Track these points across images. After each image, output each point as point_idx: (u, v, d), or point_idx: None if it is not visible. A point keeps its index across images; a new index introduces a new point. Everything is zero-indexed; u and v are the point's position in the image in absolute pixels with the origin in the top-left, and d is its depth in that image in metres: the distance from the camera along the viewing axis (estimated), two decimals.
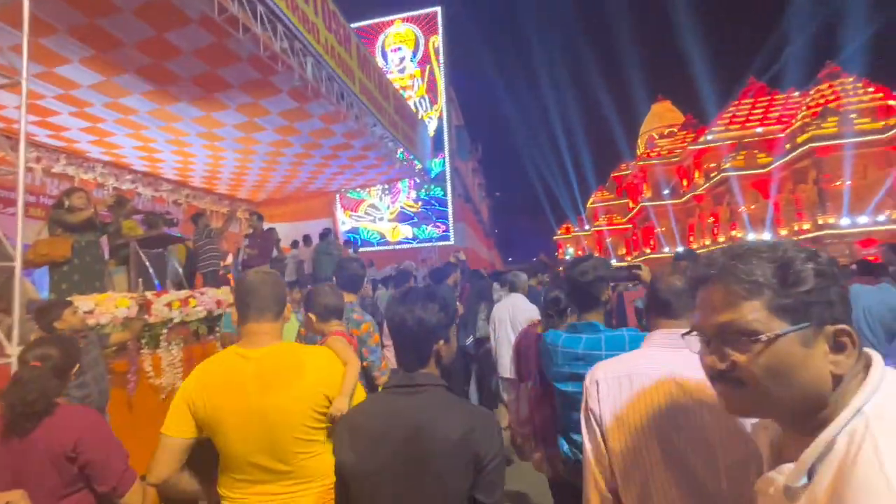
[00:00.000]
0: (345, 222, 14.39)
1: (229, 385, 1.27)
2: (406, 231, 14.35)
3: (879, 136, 19.20)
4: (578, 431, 1.39)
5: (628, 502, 0.90)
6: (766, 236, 24.85)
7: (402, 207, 14.59)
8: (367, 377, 2.41)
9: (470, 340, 4.18)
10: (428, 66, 14.30)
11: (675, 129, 41.39)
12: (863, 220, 19.42)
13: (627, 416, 0.91)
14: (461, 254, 5.80)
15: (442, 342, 1.18)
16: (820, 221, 20.42)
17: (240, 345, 1.34)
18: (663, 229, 36.42)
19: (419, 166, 11.77)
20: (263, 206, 11.29)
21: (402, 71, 14.39)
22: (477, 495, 1.04)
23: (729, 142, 30.06)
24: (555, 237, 55.99)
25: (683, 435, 0.84)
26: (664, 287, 1.04)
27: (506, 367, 3.58)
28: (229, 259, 7.53)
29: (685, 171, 35.62)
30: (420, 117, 14.02)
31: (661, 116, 45.69)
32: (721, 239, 28.75)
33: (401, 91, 14.10)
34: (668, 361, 0.93)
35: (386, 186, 14.46)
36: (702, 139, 32.81)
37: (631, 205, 44.48)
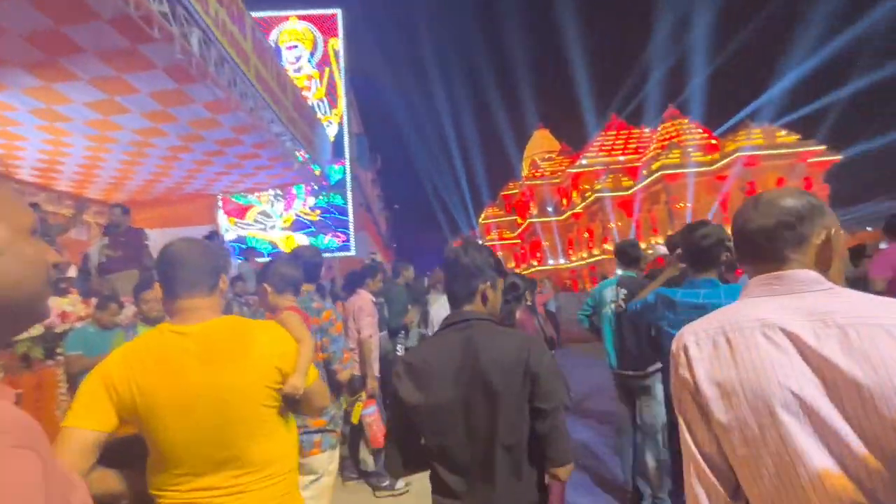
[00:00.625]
0: (229, 230, 12.81)
1: (165, 364, 1.13)
2: (302, 241, 13.26)
3: (708, 168, 23.89)
4: None
5: (750, 487, 0.72)
6: None
7: (297, 215, 13.53)
8: (326, 371, 2.14)
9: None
10: (327, 69, 13.68)
11: (554, 155, 46.16)
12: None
13: (732, 382, 0.74)
14: (377, 255, 5.46)
15: (488, 284, 1.28)
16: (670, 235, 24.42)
17: (172, 322, 1.20)
18: (548, 243, 40.08)
19: (318, 171, 11.09)
20: None
21: (298, 70, 13.53)
22: (537, 404, 1.15)
23: (599, 167, 34.53)
24: None
25: (826, 396, 0.67)
26: (754, 226, 0.84)
27: None
28: (72, 271, 6.08)
29: (565, 192, 39.81)
30: (319, 120, 13.30)
31: (541, 143, 50.79)
32: (595, 252, 32.58)
33: None
34: (769, 311, 0.76)
35: (279, 192, 13.30)
36: (577, 164, 37.12)
37: (519, 221, 48.08)
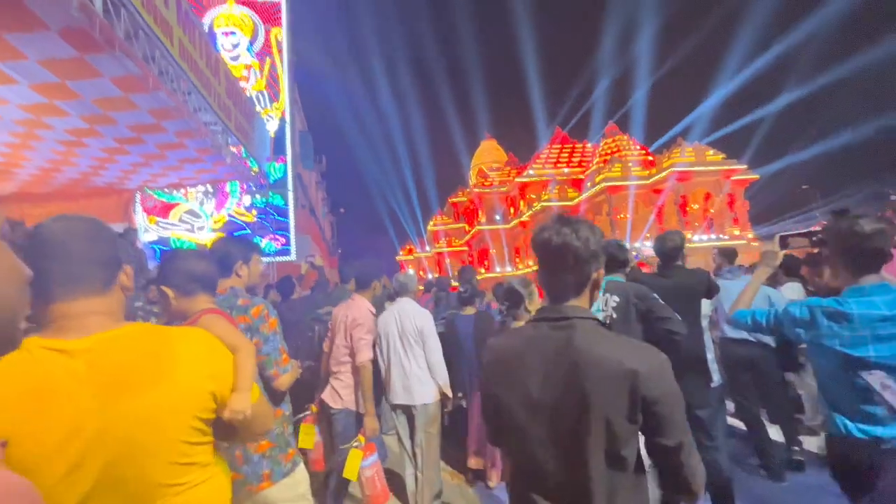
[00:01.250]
0: (148, 230, 11.43)
1: (42, 395, 0.79)
2: None
3: (646, 182, 25.48)
4: (869, 402, 1.46)
5: None
6: None
7: (230, 216, 12.41)
8: (261, 378, 1.78)
9: None
10: (268, 59, 12.78)
11: (501, 165, 47.34)
12: (637, 245, 25.14)
13: None
14: (316, 258, 4.93)
15: (601, 270, 1.09)
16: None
17: (45, 335, 0.85)
18: (495, 251, 40.71)
19: (256, 169, 10.24)
20: (12, 203, 8.16)
21: (235, 59, 12.51)
22: (656, 439, 0.97)
23: (546, 178, 35.75)
24: (398, 258, 57.00)
25: None
26: None
27: (398, 392, 2.91)
28: None
29: (512, 201, 40.77)
30: (258, 113, 12.35)
31: (489, 152, 52.18)
32: None
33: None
34: None
35: (210, 189, 12.13)
36: (525, 174, 38.21)
37: (467, 228, 48.52)
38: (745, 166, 24.23)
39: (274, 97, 12.74)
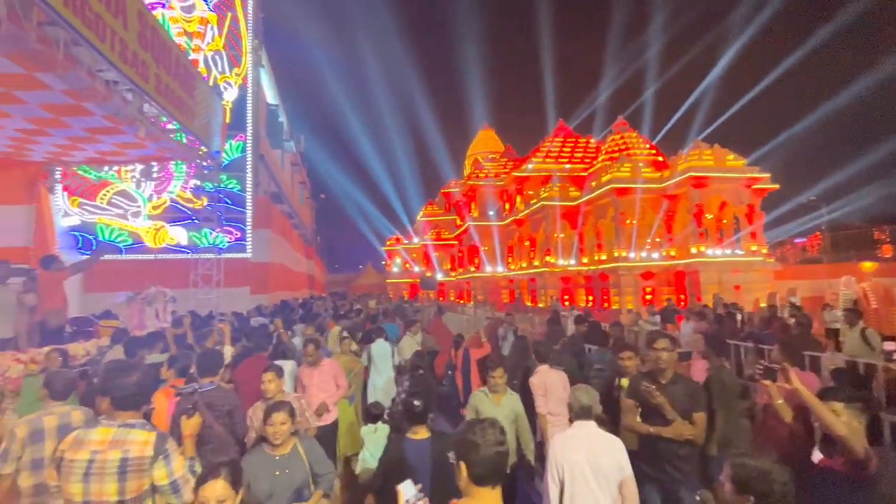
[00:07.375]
0: (69, 214, 9.78)
1: None
2: (178, 235, 10.51)
3: (657, 185, 24.18)
4: None
5: None
6: (573, 263, 28.66)
7: (173, 200, 10.74)
8: None
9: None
10: (230, 14, 11.03)
11: (498, 156, 45.75)
12: (643, 255, 23.88)
13: None
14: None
15: None
16: (615, 254, 24.29)
17: None
18: (486, 248, 39.32)
19: (203, 149, 8.64)
20: None
21: (189, 10, 10.74)
22: None
23: (545, 173, 34.25)
24: (385, 248, 55.30)
25: None
26: None
27: None
28: None
29: (509, 196, 39.26)
30: (212, 81, 10.65)
31: (486, 142, 50.62)
32: (536, 263, 32.17)
33: (184, 37, 10.49)
34: None
35: (155, 168, 10.47)
36: (523, 168, 36.66)
37: (458, 222, 47.00)
38: (768, 174, 23.03)
39: (234, 60, 11.01)
